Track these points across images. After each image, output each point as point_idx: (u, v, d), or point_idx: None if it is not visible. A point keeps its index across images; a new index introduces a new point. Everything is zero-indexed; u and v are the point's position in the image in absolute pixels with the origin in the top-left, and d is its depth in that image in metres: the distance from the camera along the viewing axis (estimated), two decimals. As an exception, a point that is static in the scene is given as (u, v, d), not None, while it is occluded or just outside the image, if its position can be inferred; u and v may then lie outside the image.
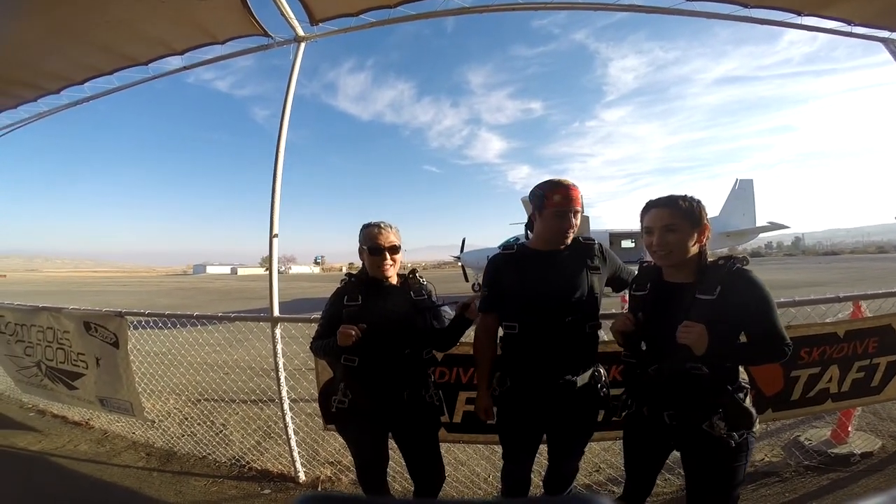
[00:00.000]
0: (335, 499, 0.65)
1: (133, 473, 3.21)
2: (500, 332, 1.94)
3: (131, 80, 3.24)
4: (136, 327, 3.59)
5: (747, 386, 1.59)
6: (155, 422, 3.93)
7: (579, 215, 1.82)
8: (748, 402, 1.57)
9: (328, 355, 1.98)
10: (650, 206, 1.65)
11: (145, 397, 3.73)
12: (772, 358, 1.58)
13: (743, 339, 1.58)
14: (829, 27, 2.79)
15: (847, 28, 2.76)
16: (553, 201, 1.78)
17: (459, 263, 21.49)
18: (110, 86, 3.32)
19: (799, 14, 2.67)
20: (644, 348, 1.69)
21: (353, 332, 1.77)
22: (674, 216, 1.58)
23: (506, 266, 1.90)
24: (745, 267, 1.55)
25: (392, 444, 2.10)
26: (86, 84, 3.40)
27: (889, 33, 2.82)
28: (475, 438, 2.66)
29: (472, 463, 3.12)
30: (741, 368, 1.62)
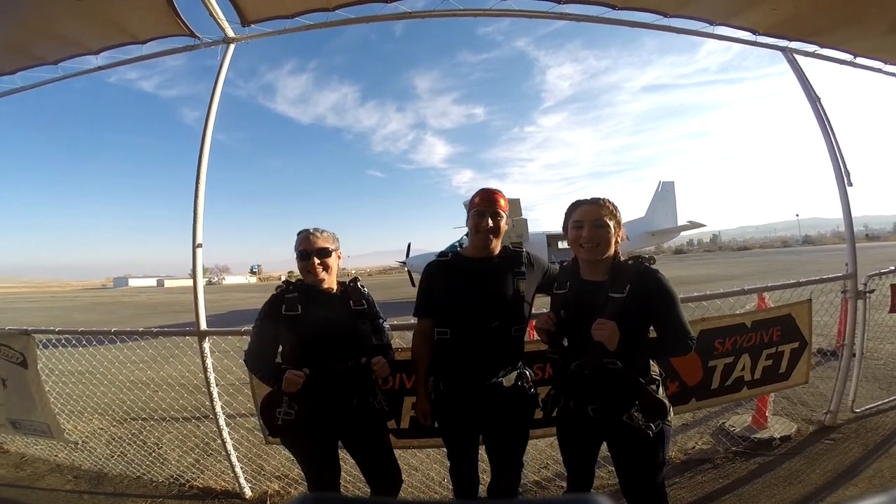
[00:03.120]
0: (335, 499, 0.73)
1: (62, 497, 3.17)
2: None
3: (37, 80, 3.09)
4: (46, 346, 3.50)
5: (658, 378, 1.82)
6: (79, 443, 3.85)
7: (501, 219, 2.07)
8: (661, 393, 1.80)
9: (267, 383, 2.04)
10: (580, 204, 1.90)
11: (64, 418, 3.66)
12: (677, 351, 1.82)
13: (653, 334, 1.83)
14: (738, 37, 3.16)
15: (752, 37, 3.13)
16: (474, 202, 2.08)
17: (406, 269, 22.17)
18: (12, 86, 3.15)
19: (711, 24, 2.99)
20: (566, 344, 1.90)
21: (301, 380, 1.86)
22: (603, 213, 1.83)
23: (439, 273, 2.12)
24: (652, 266, 1.80)
25: (344, 453, 2.19)
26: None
27: (788, 42, 3.22)
28: (425, 443, 2.79)
29: (424, 468, 3.26)
30: (653, 362, 1.86)
